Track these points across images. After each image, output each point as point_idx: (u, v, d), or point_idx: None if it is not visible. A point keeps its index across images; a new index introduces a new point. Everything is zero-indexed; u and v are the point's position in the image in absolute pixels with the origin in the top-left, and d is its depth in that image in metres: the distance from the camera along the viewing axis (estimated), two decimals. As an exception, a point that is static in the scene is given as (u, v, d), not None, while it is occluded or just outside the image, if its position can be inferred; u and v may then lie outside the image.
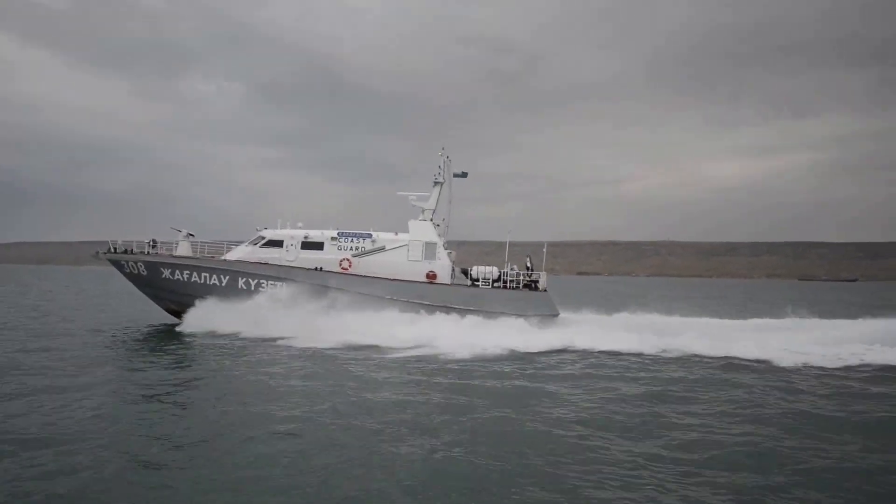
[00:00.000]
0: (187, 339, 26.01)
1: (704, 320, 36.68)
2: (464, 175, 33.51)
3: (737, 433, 12.75)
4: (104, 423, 12.60)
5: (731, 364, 21.92)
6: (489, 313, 30.11)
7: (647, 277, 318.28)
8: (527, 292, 31.61)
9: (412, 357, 22.75)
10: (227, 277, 31.26)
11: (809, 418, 14.12)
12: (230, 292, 30.67)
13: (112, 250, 32.91)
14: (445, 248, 32.60)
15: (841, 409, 15.04)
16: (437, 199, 33.17)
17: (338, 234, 32.52)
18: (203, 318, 29.04)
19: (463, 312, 29.92)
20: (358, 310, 28.95)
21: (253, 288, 31.03)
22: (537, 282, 31.91)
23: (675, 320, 35.66)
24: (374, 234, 32.63)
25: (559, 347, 25.30)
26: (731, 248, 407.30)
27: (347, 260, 31.96)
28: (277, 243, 32.22)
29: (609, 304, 52.40)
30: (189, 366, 20.00)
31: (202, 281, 31.37)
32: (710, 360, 22.70)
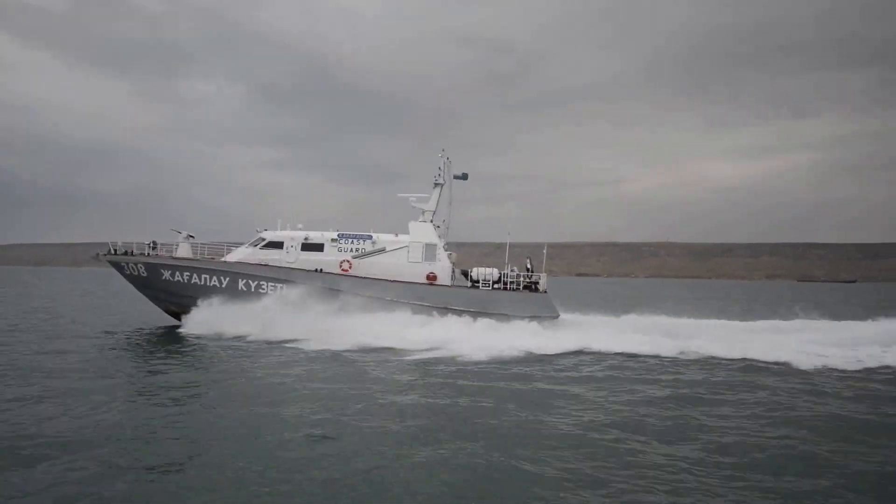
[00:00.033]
0: (199, 342, 25.91)
1: (713, 322, 36.65)
2: (464, 177, 33.48)
3: (772, 436, 12.71)
4: (138, 427, 12.54)
5: (750, 366, 21.89)
6: (489, 315, 30.13)
7: (645, 279, 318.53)
8: (527, 294, 31.61)
9: (430, 359, 22.72)
10: (228, 279, 31.23)
11: (842, 421, 14.10)
12: (231, 294, 30.64)
13: (112, 252, 32.84)
14: (446, 250, 32.60)
15: (872, 412, 15.03)
16: (438, 201, 33.16)
17: (338, 235, 32.49)
18: (208, 319, 28.95)
19: (462, 314, 29.95)
20: (367, 312, 28.95)
21: (253, 289, 30.99)
22: (537, 283, 31.92)
23: (685, 322, 35.62)
24: (375, 236, 32.61)
25: (575, 349, 25.26)
26: (729, 249, 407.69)
27: (348, 261, 31.92)
28: (278, 245, 32.19)
29: (611, 305, 52.52)
30: (208, 368, 19.91)
31: (202, 282, 31.31)
32: (728, 363, 22.67)
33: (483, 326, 28.53)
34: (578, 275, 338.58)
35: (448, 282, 31.97)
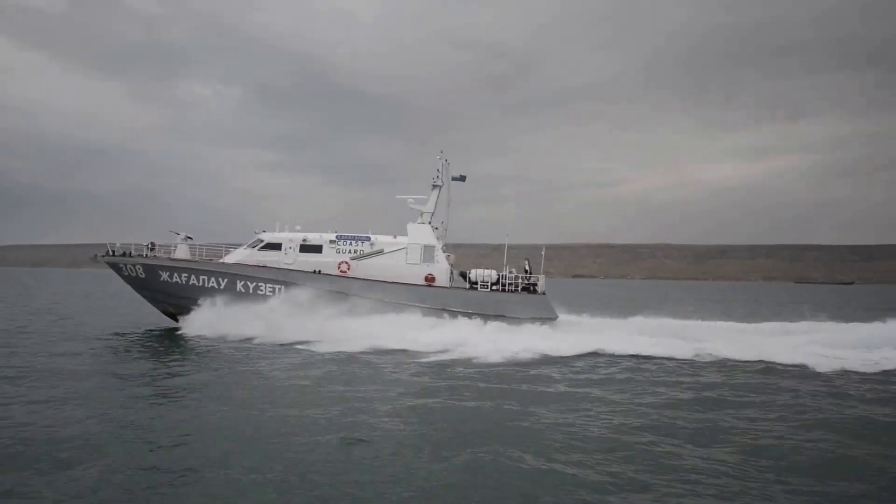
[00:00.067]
0: (211, 344, 25.79)
1: (720, 324, 36.62)
2: (462, 179, 33.50)
3: (806, 439, 12.68)
4: (169, 429, 12.46)
5: (769, 368, 21.89)
6: (489, 316, 30.13)
7: (642, 280, 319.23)
8: (526, 295, 31.61)
9: (446, 361, 22.69)
10: (226, 280, 31.17)
11: (872, 424, 14.10)
12: (230, 295, 30.57)
13: (110, 253, 32.76)
14: (444, 251, 32.58)
15: (900, 415, 15.02)
16: (436, 203, 33.18)
17: (336, 237, 32.46)
18: (210, 321, 28.79)
19: (462, 315, 29.95)
20: (371, 314, 28.95)
21: (251, 291, 30.94)
22: (536, 285, 31.93)
23: (692, 324, 35.54)
24: (373, 237, 32.61)
25: (588, 352, 25.23)
26: (726, 251, 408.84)
27: (346, 263, 31.89)
28: (276, 246, 32.16)
29: (610, 306, 52.53)
30: (225, 370, 19.79)
31: (200, 284, 31.25)
32: (745, 365, 22.65)
33: (493, 329, 28.54)
34: (575, 276, 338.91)
35: (446, 283, 31.97)
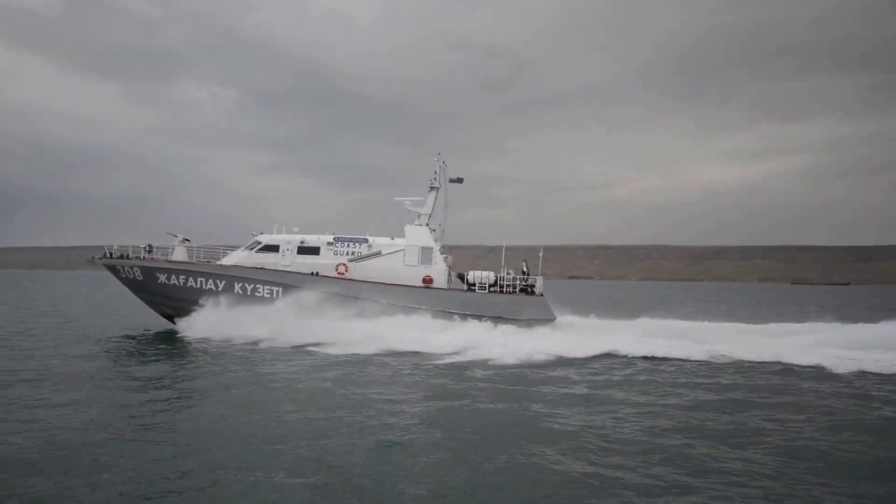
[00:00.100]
0: (219, 346, 25.66)
1: (726, 325, 36.66)
2: (459, 181, 33.50)
3: (838, 441, 12.67)
4: (200, 431, 12.40)
5: (787, 370, 21.90)
6: (487, 318, 30.13)
7: (638, 281, 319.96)
8: (524, 297, 31.62)
9: (462, 363, 22.69)
10: (224, 282, 31.10)
11: (901, 425, 14.12)
12: (233, 297, 30.47)
13: (108, 255, 32.67)
14: (441, 253, 32.57)
15: (927, 416, 15.03)
16: (434, 204, 33.17)
17: (334, 238, 32.41)
18: (213, 323, 28.64)
19: (462, 317, 29.94)
20: (374, 316, 28.91)
21: (249, 293, 30.87)
22: (534, 286, 31.95)
23: (699, 325, 35.53)
24: (371, 239, 32.56)
25: (602, 353, 25.22)
26: (722, 252, 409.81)
27: (344, 264, 31.84)
28: (274, 248, 32.08)
29: (608, 307, 52.59)
30: (244, 372, 19.69)
31: (198, 286, 31.17)
32: (762, 366, 22.66)
33: (504, 331, 28.53)
34: (571, 277, 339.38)
35: (444, 285, 31.95)
